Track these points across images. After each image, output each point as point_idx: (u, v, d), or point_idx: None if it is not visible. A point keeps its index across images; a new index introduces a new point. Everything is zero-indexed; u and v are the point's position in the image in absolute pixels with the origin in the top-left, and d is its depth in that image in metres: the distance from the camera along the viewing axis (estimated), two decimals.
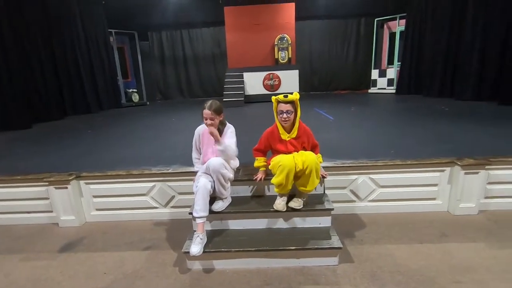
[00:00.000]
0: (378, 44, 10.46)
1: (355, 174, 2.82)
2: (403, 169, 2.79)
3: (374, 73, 10.42)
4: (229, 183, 2.39)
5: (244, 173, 2.63)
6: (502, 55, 6.35)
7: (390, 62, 10.05)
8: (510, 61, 6.02)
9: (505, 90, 6.08)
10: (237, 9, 9.83)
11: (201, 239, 2.14)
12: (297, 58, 10.40)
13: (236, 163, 2.49)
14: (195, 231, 2.23)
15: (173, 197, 2.93)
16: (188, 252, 2.09)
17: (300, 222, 2.35)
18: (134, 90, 10.38)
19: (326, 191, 2.62)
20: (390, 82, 9.93)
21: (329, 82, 11.81)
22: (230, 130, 2.41)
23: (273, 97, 2.28)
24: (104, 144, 4.29)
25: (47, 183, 2.83)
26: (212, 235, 2.30)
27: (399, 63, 9.39)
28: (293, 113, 2.26)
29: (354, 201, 2.89)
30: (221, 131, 2.36)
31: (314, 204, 2.37)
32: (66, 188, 2.82)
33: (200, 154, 2.52)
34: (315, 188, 2.32)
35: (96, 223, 2.98)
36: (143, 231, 2.78)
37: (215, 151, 2.35)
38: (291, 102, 2.23)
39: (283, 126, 2.31)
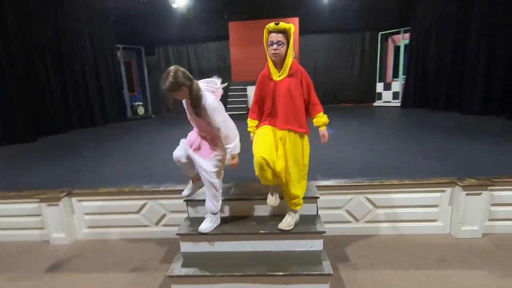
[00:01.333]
0: (383, 57, 10.41)
1: (351, 194, 2.72)
2: (401, 189, 2.69)
3: (379, 86, 10.33)
4: (220, 195, 2.22)
5: (235, 192, 2.57)
6: (509, 67, 6.21)
7: (395, 75, 9.97)
8: None
9: None
10: (241, 24, 9.99)
11: (191, 187, 2.35)
12: None
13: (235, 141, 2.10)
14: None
15: (164, 215, 2.88)
16: (173, 276, 2.03)
17: (290, 245, 2.26)
18: (140, 103, 10.54)
19: (320, 212, 2.52)
20: (395, 95, 9.81)
21: (334, 95, 11.73)
22: (212, 108, 1.99)
23: (266, 27, 1.99)
24: (102, 159, 4.29)
25: (39, 200, 2.83)
26: (198, 258, 2.23)
27: (404, 76, 9.30)
28: (285, 46, 1.97)
29: (350, 221, 2.79)
30: (196, 102, 1.98)
31: (306, 226, 2.28)
32: (57, 205, 2.81)
33: None
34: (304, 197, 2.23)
35: (87, 241, 2.94)
36: (133, 250, 2.72)
37: (198, 125, 2.13)
38: (283, 32, 1.95)
39: (273, 62, 2.04)
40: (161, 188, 2.82)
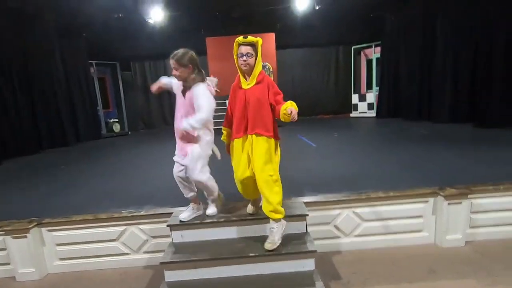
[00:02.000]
0: (357, 70, 10.82)
1: (338, 208, 2.71)
2: (386, 201, 2.71)
3: (355, 98, 10.69)
4: (215, 191, 2.39)
5: (222, 214, 2.47)
6: (472, 78, 6.62)
7: (369, 87, 10.37)
8: (480, 84, 6.28)
9: (479, 112, 6.29)
10: (218, 40, 10.04)
11: (192, 208, 2.40)
12: (280, 85, 10.41)
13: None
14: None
15: (146, 241, 2.71)
16: None
17: (281, 267, 2.18)
18: (115, 120, 10.17)
19: (309, 228, 2.48)
20: (370, 106, 10.18)
21: (312, 107, 11.95)
22: (201, 94, 2.14)
23: (235, 40, 2.15)
24: (75, 183, 4.02)
25: (3, 232, 2.56)
26: (184, 287, 2.09)
27: (378, 87, 9.69)
28: (253, 57, 2.12)
29: (339, 237, 2.76)
30: (190, 82, 2.18)
31: (296, 245, 2.22)
32: (26, 237, 2.55)
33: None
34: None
35: (59, 275, 2.69)
36: (111, 282, 2.52)
37: (184, 115, 2.19)
38: (252, 45, 2.12)
39: (242, 72, 2.18)
40: (141, 213, 2.66)
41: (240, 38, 2.12)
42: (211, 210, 2.43)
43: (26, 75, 6.94)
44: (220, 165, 2.44)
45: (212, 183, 2.33)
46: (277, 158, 2.20)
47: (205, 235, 2.39)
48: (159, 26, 9.21)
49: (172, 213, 2.56)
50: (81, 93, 8.63)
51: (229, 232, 2.39)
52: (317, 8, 8.40)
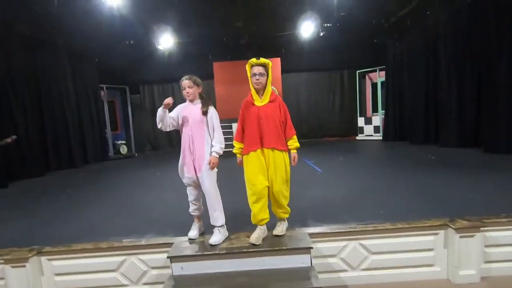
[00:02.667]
0: (362, 93, 10.90)
1: (345, 240, 2.61)
2: (395, 233, 2.61)
3: (360, 121, 10.69)
4: (221, 205, 2.51)
5: (224, 245, 2.41)
6: (478, 101, 6.53)
7: (375, 110, 10.38)
8: (487, 107, 6.18)
9: (489, 138, 6.13)
10: (225, 64, 10.32)
11: (198, 227, 2.62)
12: None
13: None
14: None
15: (145, 272, 2.63)
16: None
17: None
18: (123, 142, 10.33)
19: (314, 261, 2.39)
20: (376, 129, 10.14)
21: (317, 130, 11.98)
22: (215, 116, 2.52)
23: (248, 62, 2.42)
24: (78, 208, 4.00)
25: (3, 261, 2.53)
26: None
27: (383, 111, 9.70)
28: (265, 76, 2.38)
29: (345, 270, 2.64)
30: (207, 102, 2.54)
31: (300, 282, 2.13)
32: (24, 266, 2.51)
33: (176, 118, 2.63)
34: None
35: None
36: None
37: (195, 128, 2.50)
38: (263, 65, 2.37)
39: (256, 90, 2.41)
40: (142, 242, 2.61)
41: (254, 60, 2.39)
42: (215, 238, 2.45)
43: (37, 98, 7.17)
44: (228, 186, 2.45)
45: (218, 196, 2.52)
46: (289, 168, 2.50)
47: (206, 268, 2.32)
48: (168, 52, 9.53)
49: (173, 243, 2.51)
50: (91, 116, 8.84)
51: (231, 265, 2.31)
52: (321, 34, 8.63)
